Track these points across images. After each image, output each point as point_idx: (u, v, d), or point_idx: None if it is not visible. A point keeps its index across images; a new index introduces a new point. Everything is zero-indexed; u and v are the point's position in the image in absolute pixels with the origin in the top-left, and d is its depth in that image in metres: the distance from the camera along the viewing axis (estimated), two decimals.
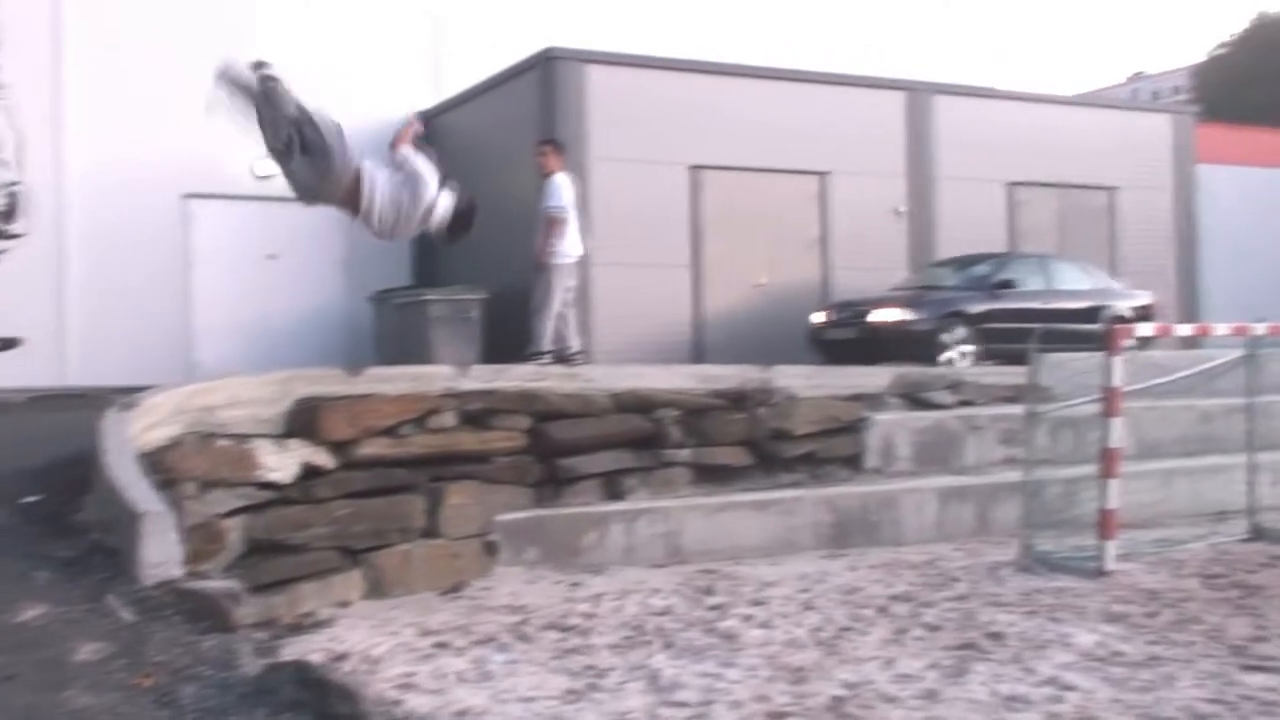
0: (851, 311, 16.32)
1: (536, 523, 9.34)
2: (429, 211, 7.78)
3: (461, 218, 8.11)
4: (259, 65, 7.18)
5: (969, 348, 15.54)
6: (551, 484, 9.79)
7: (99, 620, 5.25)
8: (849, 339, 15.89)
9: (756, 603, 8.24)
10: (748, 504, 10.19)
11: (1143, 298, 17.86)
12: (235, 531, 7.65)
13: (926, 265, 18.56)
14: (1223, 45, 70.05)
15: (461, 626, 7.56)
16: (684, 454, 10.40)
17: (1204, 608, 7.97)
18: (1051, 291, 16.84)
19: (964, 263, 17.76)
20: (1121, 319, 16.19)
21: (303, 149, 7.21)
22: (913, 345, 15.20)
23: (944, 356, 15.24)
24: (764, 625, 7.59)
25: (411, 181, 7.75)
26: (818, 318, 16.74)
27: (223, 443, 8.14)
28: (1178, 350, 15.44)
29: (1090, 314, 16.15)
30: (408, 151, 7.78)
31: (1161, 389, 11.25)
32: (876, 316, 15.86)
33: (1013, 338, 15.36)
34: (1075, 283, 17.44)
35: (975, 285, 16.59)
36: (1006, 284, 16.40)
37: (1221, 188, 27.31)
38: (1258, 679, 6.28)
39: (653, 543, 9.63)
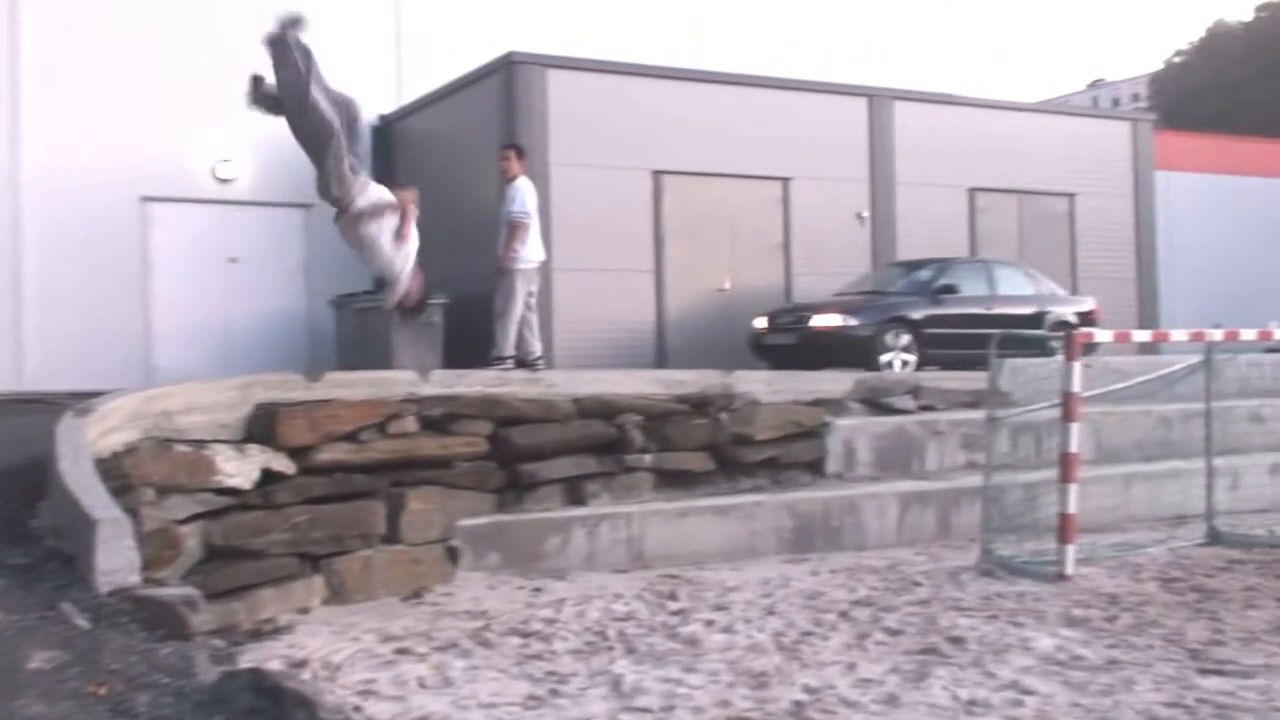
0: (792, 317, 16.22)
1: (498, 528, 9.31)
2: (392, 279, 7.84)
3: (416, 307, 8.28)
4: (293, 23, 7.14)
5: (910, 354, 15.48)
6: (513, 489, 9.77)
7: (53, 628, 5.19)
8: (789, 344, 15.78)
9: (719, 608, 8.24)
10: (710, 509, 10.20)
11: (1086, 303, 17.83)
12: (193, 538, 7.60)
13: (870, 270, 18.52)
14: (1180, 53, 70.74)
15: (423, 632, 7.52)
16: (646, 459, 10.40)
17: (1162, 612, 8.02)
18: (994, 297, 16.79)
19: (907, 268, 17.70)
20: (1065, 324, 16.27)
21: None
22: (853, 351, 15.13)
23: (885, 361, 15.16)
24: (726, 630, 7.58)
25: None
26: (759, 323, 16.58)
27: (181, 448, 8.07)
28: (1137, 356, 15.59)
29: (1033, 320, 16.32)
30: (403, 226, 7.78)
31: (1120, 394, 11.34)
32: (817, 322, 15.72)
33: (955, 343, 15.36)
34: (1018, 288, 17.37)
35: (917, 290, 16.48)
36: (948, 289, 16.30)
37: (1179, 194, 27.57)
38: (1214, 682, 6.32)
39: (615, 548, 9.62)
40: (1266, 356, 12.35)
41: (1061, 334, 15.41)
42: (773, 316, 16.50)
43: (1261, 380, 12.06)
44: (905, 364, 15.26)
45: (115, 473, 7.19)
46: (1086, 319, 16.78)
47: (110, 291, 18.34)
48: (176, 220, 18.98)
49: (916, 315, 15.80)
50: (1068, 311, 17.08)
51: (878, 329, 15.45)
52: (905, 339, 15.48)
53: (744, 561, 9.95)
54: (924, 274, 16.93)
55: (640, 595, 8.50)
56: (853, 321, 15.50)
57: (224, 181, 19.23)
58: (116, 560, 5.77)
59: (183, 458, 7.94)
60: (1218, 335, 10.72)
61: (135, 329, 18.57)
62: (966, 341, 15.29)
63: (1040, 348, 15.67)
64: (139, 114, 18.53)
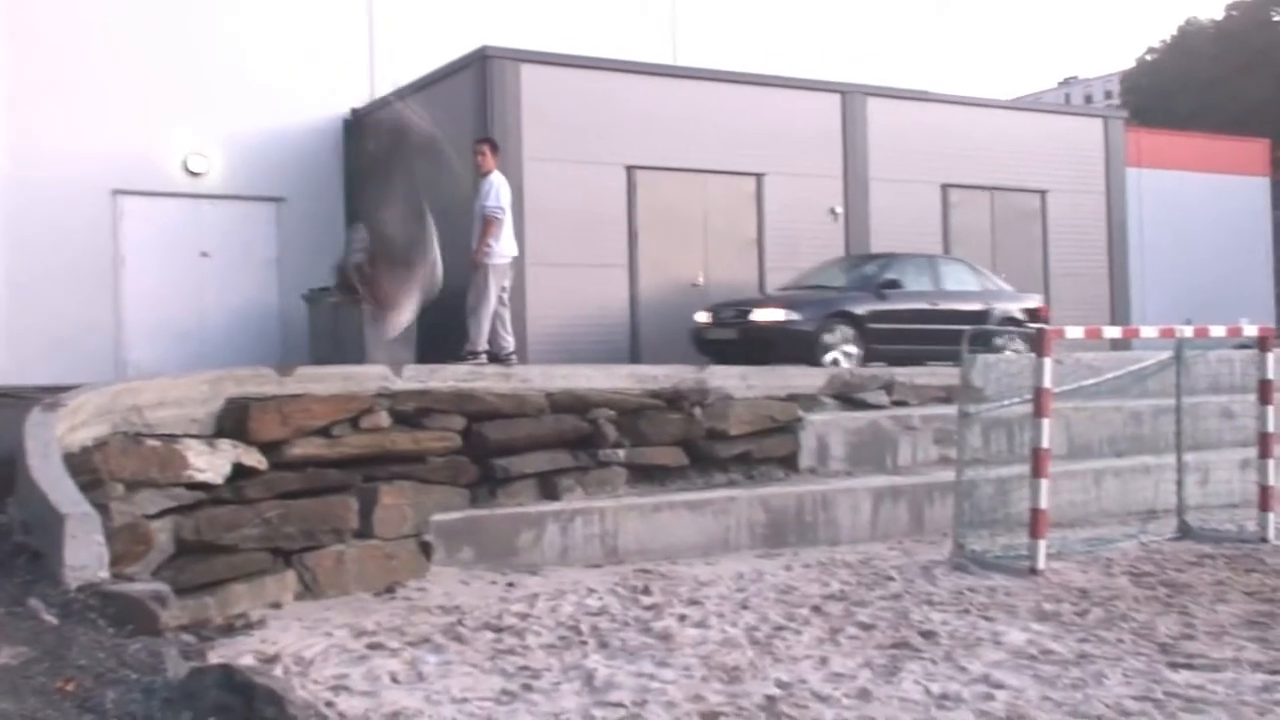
0: (733, 311, 15.78)
1: (472, 523, 9.29)
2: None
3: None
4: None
5: (853, 350, 15.13)
6: (487, 484, 9.76)
7: (21, 623, 5.15)
8: (730, 340, 15.39)
9: (692, 602, 8.25)
10: (683, 504, 10.21)
11: (1033, 300, 17.59)
12: (164, 533, 7.56)
13: (816, 265, 18.15)
14: (1152, 51, 71.06)
15: (396, 628, 7.51)
16: (620, 454, 10.41)
17: (1133, 606, 8.07)
18: (939, 292, 16.55)
19: (853, 263, 17.51)
20: (1013, 321, 16.21)
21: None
22: (794, 346, 14.76)
23: (827, 358, 14.82)
24: (699, 625, 7.59)
25: None
26: (701, 318, 16.15)
27: (151, 443, 8.02)
28: (1108, 352, 15.65)
29: (979, 316, 16.10)
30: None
31: (1092, 390, 11.39)
32: (758, 316, 15.31)
33: (899, 339, 15.21)
34: (964, 284, 17.13)
35: (860, 286, 16.19)
36: (892, 284, 16.02)
37: (1151, 191, 27.73)
38: (1184, 676, 6.36)
39: (589, 543, 9.62)
40: (1237, 353, 12.40)
41: (1014, 329, 15.51)
42: (714, 311, 16.11)
43: (1232, 376, 12.10)
44: (848, 359, 14.96)
45: (84, 468, 7.14)
46: (1033, 316, 16.53)
47: (81, 285, 18.20)
48: (148, 214, 18.83)
49: (860, 310, 15.50)
50: (1014, 308, 16.87)
51: (820, 324, 15.13)
52: (848, 334, 15.19)
53: (718, 556, 9.96)
54: (869, 269, 16.71)
55: (613, 590, 8.50)
56: (795, 316, 15.16)
57: (195, 175, 19.10)
58: (85, 555, 5.73)
59: (153, 452, 7.88)
60: (1188, 332, 10.78)
61: (106, 323, 18.44)
62: (911, 337, 15.39)
63: (986, 345, 15.75)
64: (110, 107, 18.40)
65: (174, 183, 19.02)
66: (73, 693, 4.20)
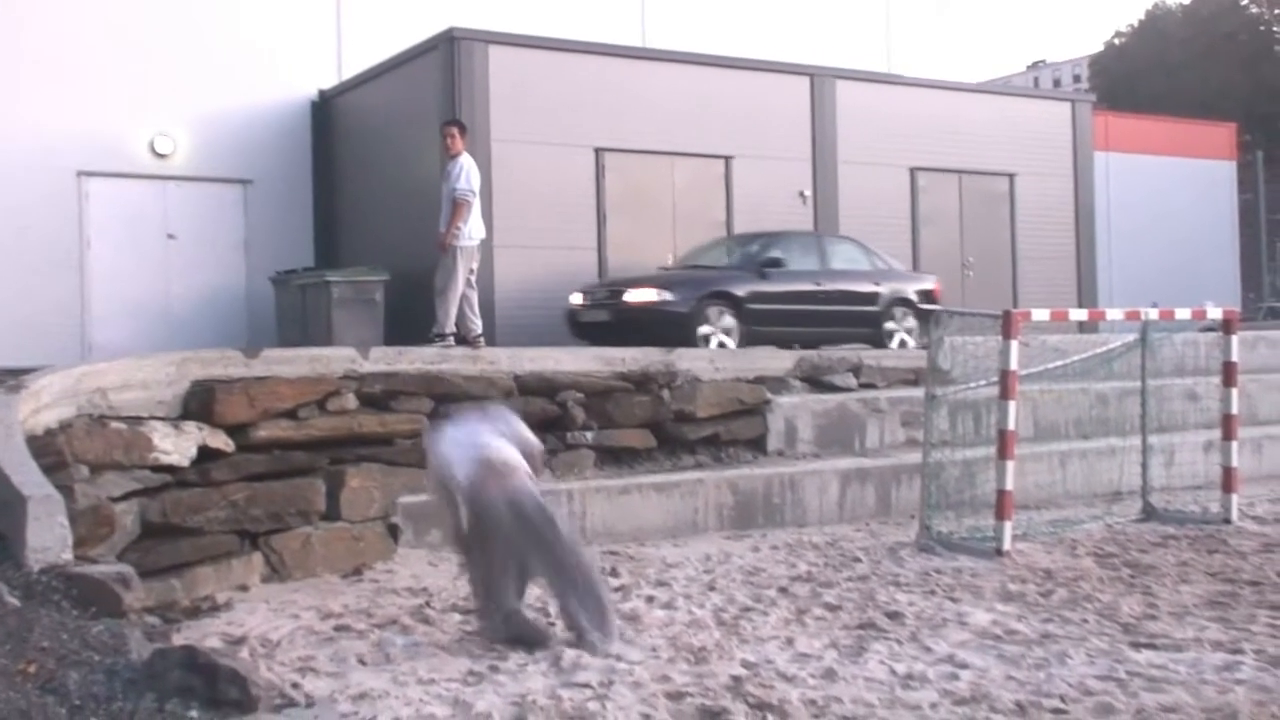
0: (606, 292, 15.16)
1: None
2: None
3: None
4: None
5: (732, 332, 14.47)
6: None
7: None
8: (604, 321, 14.76)
9: (660, 584, 8.27)
10: (651, 486, 10.22)
11: (927, 281, 16.92)
12: (129, 515, 7.52)
13: (702, 244, 17.47)
14: (1120, 35, 71.38)
15: (363, 610, 7.51)
16: (588, 436, 10.42)
17: (1097, 587, 8.13)
18: (825, 272, 15.87)
19: (737, 241, 16.86)
20: (905, 302, 16.00)
21: None
22: (669, 328, 13.89)
23: (705, 342, 14.11)
24: (667, 606, 7.62)
25: None
26: (575, 299, 15.50)
27: (116, 425, 7.98)
28: (1075, 335, 15.72)
29: (869, 297, 15.71)
30: None
31: (1058, 372, 11.45)
32: (631, 297, 14.59)
33: (783, 321, 14.64)
34: (853, 263, 16.45)
35: (741, 265, 15.54)
36: (775, 263, 15.35)
37: (1118, 175, 27.88)
38: (1147, 655, 6.41)
39: None
40: (1202, 335, 12.49)
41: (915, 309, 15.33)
42: (588, 292, 15.55)
43: (1197, 359, 12.19)
44: (728, 340, 14.31)
45: (48, 450, 7.09)
46: (927, 297, 16.07)
47: (46, 268, 18.05)
48: (113, 195, 18.69)
49: (739, 291, 14.79)
50: (908, 289, 16.31)
51: (696, 305, 14.42)
52: (727, 316, 14.50)
53: (686, 538, 9.98)
54: (751, 248, 16.03)
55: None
56: (668, 297, 14.46)
57: (161, 156, 18.96)
58: (48, 538, 5.70)
59: (118, 435, 7.85)
60: (1154, 314, 10.84)
61: (71, 305, 18.30)
62: (795, 319, 14.85)
63: (876, 326, 15.48)
64: (75, 88, 18.24)
65: (140, 164, 18.87)
66: (35, 674, 4.18)
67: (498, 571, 6.68)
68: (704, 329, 14.29)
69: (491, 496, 6.61)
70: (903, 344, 15.43)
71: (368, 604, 7.66)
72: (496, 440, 6.96)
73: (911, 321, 15.72)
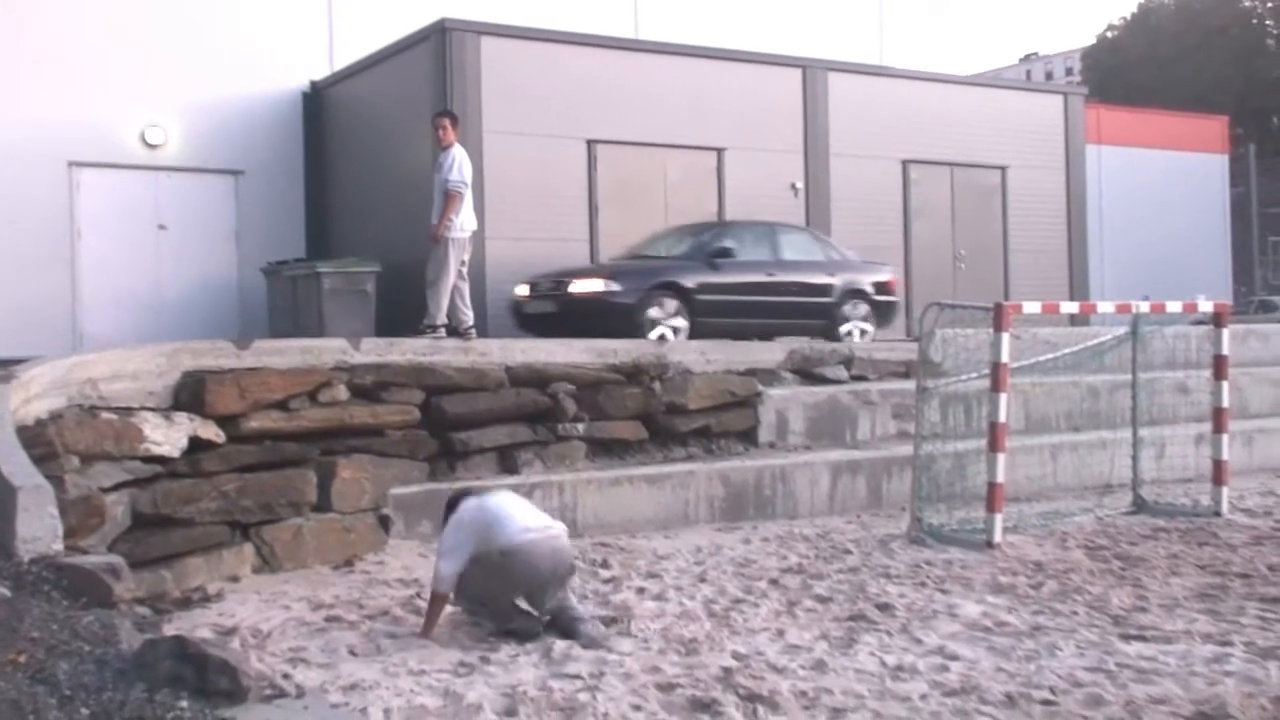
0: (552, 283, 14.80)
1: (430, 497, 9.26)
2: None
3: None
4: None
5: (680, 323, 14.15)
6: (446, 458, 9.76)
7: None
8: (549, 313, 14.43)
9: (651, 575, 8.28)
10: (643, 478, 10.23)
11: (883, 273, 16.59)
12: (120, 506, 7.50)
13: (652, 234, 17.00)
14: (1112, 28, 71.39)
15: (354, 600, 7.50)
16: (579, 428, 10.41)
17: (1087, 579, 8.14)
18: (777, 263, 15.53)
19: (687, 231, 16.39)
20: (860, 294, 15.87)
21: None
22: (615, 319, 13.57)
23: (652, 333, 13.76)
24: (658, 598, 7.62)
25: None
26: (520, 290, 15.17)
27: (107, 416, 7.96)
28: (1066, 328, 15.73)
29: (822, 289, 15.48)
30: None
31: (1049, 365, 11.47)
32: (576, 288, 14.32)
33: (732, 313, 14.34)
34: (806, 254, 16.09)
35: (690, 255, 15.14)
36: (724, 253, 14.99)
37: (1109, 168, 27.92)
38: (1136, 648, 6.43)
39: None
40: (1193, 328, 12.52)
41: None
42: (534, 284, 15.12)
43: (1188, 352, 12.22)
44: (676, 333, 13.96)
45: (38, 440, 7.08)
46: (883, 289, 15.93)
47: (37, 258, 18.02)
48: (105, 186, 18.66)
49: (688, 282, 14.48)
50: (863, 281, 16.00)
51: (643, 296, 14.12)
52: (674, 307, 14.19)
53: (676, 530, 10.00)
54: (702, 238, 15.66)
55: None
56: (615, 287, 14.19)
57: (153, 147, 18.92)
58: (38, 528, 5.69)
59: (109, 425, 7.83)
60: (1145, 307, 10.86)
61: (63, 295, 18.27)
62: (745, 310, 14.61)
63: (829, 318, 15.19)
64: (66, 78, 18.20)
65: (131, 155, 18.84)
66: (25, 664, 4.18)
67: (505, 602, 6.79)
68: (651, 321, 13.96)
69: (540, 559, 6.69)
70: (862, 335, 15.22)
71: (359, 595, 7.65)
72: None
73: (866, 312, 15.51)
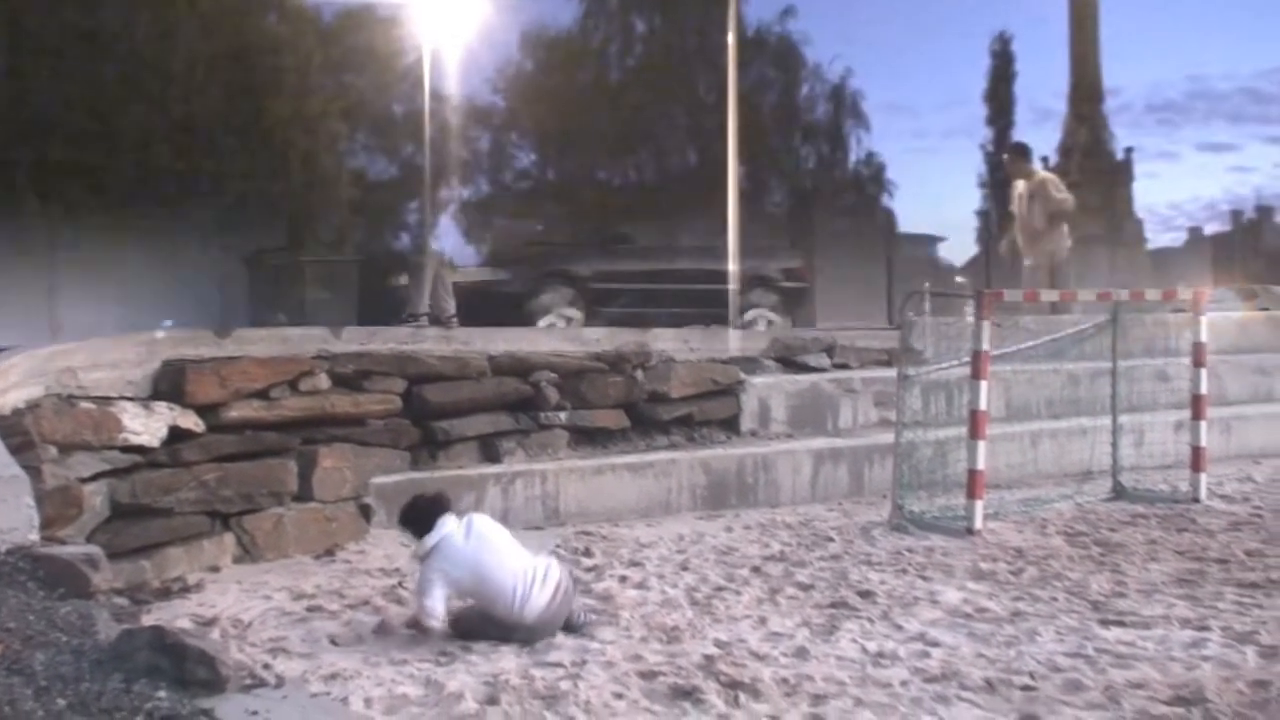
0: None
1: (412, 486, 9.21)
2: None
3: None
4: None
5: (573, 312, 13.92)
6: (428, 447, 9.75)
7: None
8: None
9: (633, 564, 8.28)
10: (625, 466, 10.23)
11: (793, 259, 16.37)
12: (98, 496, 7.48)
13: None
14: None
15: (335, 590, 7.49)
16: (561, 417, 10.41)
17: (1067, 565, 8.17)
18: (678, 248, 15.29)
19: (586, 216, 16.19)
20: (765, 280, 15.52)
21: None
22: (504, 309, 13.27)
23: (543, 322, 13.54)
24: (640, 586, 7.62)
25: None
26: (403, 280, 14.44)
27: (85, 405, 7.92)
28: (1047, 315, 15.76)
29: (725, 275, 14.93)
30: None
31: (1029, 353, 11.50)
32: (462, 277, 13.89)
33: (629, 300, 14.08)
34: (709, 239, 15.50)
35: (585, 241, 15.01)
36: (620, 239, 14.88)
37: None
38: (1115, 633, 6.45)
39: (530, 505, 9.63)
40: (1172, 316, 12.55)
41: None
42: None
43: (1167, 340, 12.25)
44: (568, 322, 13.68)
45: (15, 430, 7.03)
46: (792, 275, 15.68)
47: (15, 245, 17.95)
48: None
49: (582, 270, 14.25)
50: (769, 267, 15.64)
51: (533, 284, 13.89)
52: (567, 296, 13.98)
53: (659, 518, 10.00)
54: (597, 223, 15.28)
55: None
56: (503, 276, 14.04)
57: None
58: (14, 518, 5.66)
59: (87, 415, 7.79)
60: (1124, 295, 10.90)
61: (40, 284, 18.21)
62: (643, 299, 14.34)
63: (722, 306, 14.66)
64: None
65: None
66: (1, 655, 4.15)
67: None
68: (543, 310, 13.69)
69: (554, 621, 6.45)
70: (768, 324, 14.88)
71: (340, 584, 7.64)
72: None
73: (773, 299, 15.19)
